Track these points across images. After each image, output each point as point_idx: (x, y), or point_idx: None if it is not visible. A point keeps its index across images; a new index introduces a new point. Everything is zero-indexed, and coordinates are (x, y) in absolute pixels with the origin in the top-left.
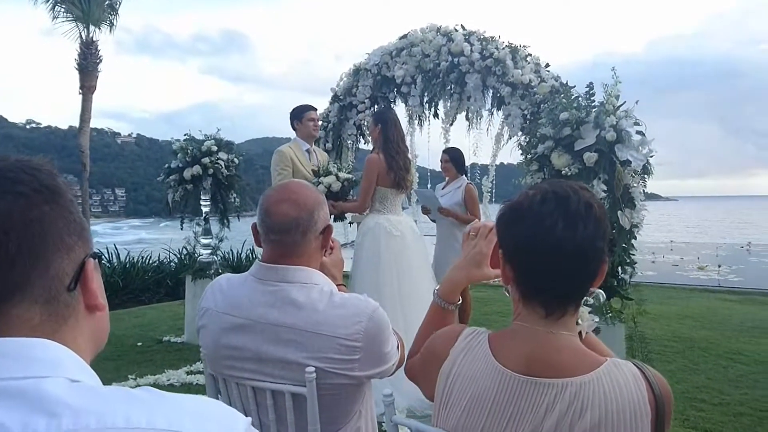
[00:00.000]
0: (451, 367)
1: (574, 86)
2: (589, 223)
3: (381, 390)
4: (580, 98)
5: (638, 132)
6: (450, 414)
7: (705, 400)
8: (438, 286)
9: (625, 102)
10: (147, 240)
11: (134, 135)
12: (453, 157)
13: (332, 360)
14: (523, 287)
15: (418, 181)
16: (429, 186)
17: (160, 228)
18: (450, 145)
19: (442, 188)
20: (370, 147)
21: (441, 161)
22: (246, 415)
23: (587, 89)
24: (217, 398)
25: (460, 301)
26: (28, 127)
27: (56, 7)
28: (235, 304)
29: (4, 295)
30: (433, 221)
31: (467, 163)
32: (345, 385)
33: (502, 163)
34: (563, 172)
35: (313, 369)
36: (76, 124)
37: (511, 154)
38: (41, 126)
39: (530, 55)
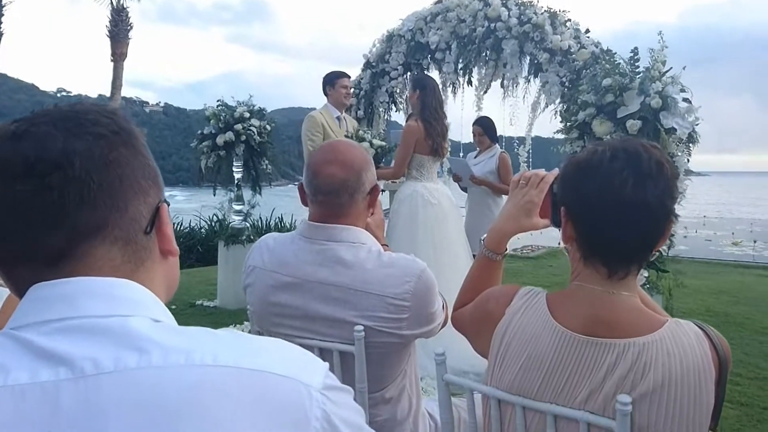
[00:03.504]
0: (507, 327)
1: (616, 53)
2: (659, 182)
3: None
4: (623, 64)
5: (684, 99)
6: (505, 373)
7: (741, 374)
8: (484, 236)
9: (671, 68)
10: None
11: (162, 104)
12: (485, 127)
13: (381, 319)
14: (586, 246)
15: (449, 149)
16: (461, 155)
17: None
18: (483, 114)
19: (475, 157)
20: (402, 115)
21: (474, 134)
22: None
23: (632, 54)
24: None
25: (507, 252)
26: (59, 95)
27: None
28: (283, 263)
29: (87, 234)
30: (464, 190)
31: (502, 133)
32: (392, 344)
33: (537, 136)
34: (605, 139)
35: (362, 327)
36: (105, 92)
37: (551, 121)
38: (71, 94)
39: (570, 20)
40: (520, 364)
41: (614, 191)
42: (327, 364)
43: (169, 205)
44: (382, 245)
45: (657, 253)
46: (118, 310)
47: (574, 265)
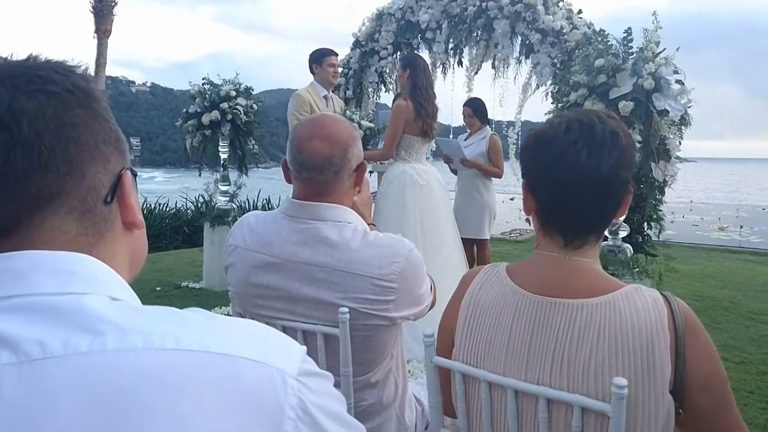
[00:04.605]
0: (471, 298)
1: (609, 33)
2: (614, 152)
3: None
4: (616, 44)
5: (677, 81)
6: (475, 345)
7: (727, 358)
8: None
9: (665, 48)
10: None
11: (149, 84)
12: (476, 108)
13: (367, 300)
14: (544, 216)
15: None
16: (451, 137)
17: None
18: (473, 96)
19: (465, 139)
20: (391, 96)
21: (464, 116)
22: None
23: (625, 35)
24: None
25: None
26: None
27: None
28: (266, 242)
29: (37, 203)
30: (454, 172)
31: (492, 117)
32: (379, 326)
33: (527, 120)
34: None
35: (346, 309)
36: (89, 70)
37: (542, 102)
38: None
39: (562, 0)
40: (485, 334)
41: (568, 162)
42: (304, 348)
43: (135, 174)
44: (368, 224)
45: (647, 237)
46: (72, 287)
47: (536, 236)
